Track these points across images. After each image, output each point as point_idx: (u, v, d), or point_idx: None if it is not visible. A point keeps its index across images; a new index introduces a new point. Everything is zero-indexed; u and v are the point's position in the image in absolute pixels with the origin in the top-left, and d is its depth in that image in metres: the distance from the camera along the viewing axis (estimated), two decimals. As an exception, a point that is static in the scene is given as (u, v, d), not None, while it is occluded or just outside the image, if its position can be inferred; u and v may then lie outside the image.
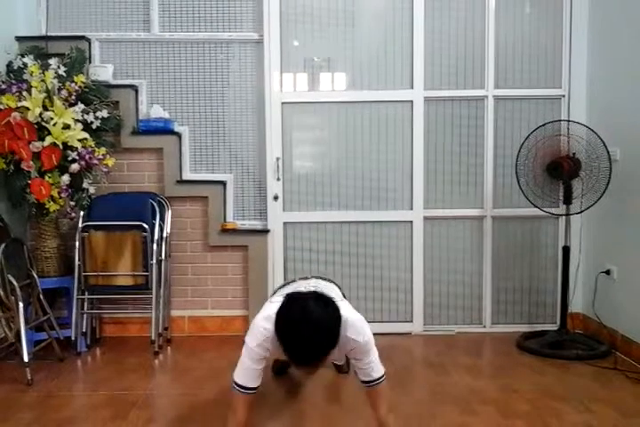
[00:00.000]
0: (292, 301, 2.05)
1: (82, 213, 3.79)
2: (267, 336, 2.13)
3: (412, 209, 4.09)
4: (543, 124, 3.65)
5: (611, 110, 3.76)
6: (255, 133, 4.16)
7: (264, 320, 2.15)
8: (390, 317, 4.12)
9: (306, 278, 2.72)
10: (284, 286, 2.67)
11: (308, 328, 1.93)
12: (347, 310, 2.21)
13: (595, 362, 3.42)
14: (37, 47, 3.83)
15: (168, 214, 3.97)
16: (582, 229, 3.95)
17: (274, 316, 2.06)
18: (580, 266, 3.96)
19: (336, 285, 2.78)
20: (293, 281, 2.68)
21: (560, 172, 3.58)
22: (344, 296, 2.63)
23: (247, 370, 2.19)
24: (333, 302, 2.06)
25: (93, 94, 3.79)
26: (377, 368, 2.25)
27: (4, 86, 3.51)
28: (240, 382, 2.20)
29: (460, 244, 4.14)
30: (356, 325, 2.18)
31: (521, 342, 3.76)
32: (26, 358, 3.20)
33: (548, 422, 2.66)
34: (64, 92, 3.59)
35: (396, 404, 2.69)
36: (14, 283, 3.23)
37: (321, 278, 2.77)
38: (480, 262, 4.14)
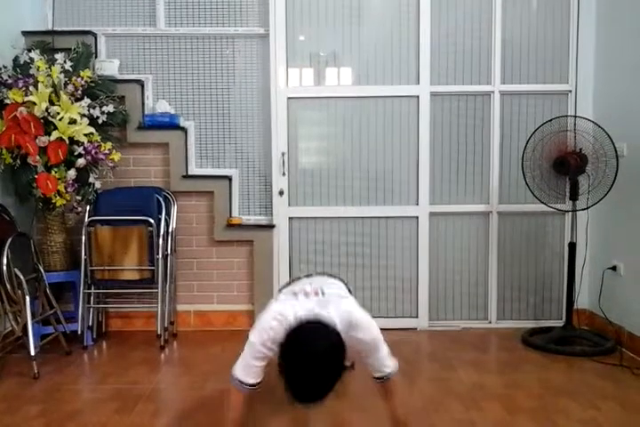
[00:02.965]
0: (296, 341, 1.97)
1: (88, 207, 3.81)
2: (272, 337, 2.06)
3: (417, 204, 4.09)
4: (550, 120, 3.63)
5: (618, 106, 3.73)
6: (261, 128, 4.16)
7: (273, 320, 2.09)
8: (396, 312, 4.11)
9: (309, 276, 2.68)
10: (288, 284, 2.63)
11: (313, 371, 1.90)
12: (351, 307, 2.18)
13: (600, 358, 3.42)
14: (44, 42, 3.84)
15: (174, 209, 3.98)
16: (589, 225, 3.93)
17: (284, 316, 2.04)
18: (586, 262, 3.95)
19: (341, 280, 2.74)
20: (298, 279, 2.63)
21: (566, 167, 3.56)
22: (350, 291, 2.61)
23: (247, 366, 2.14)
24: (336, 332, 2.00)
25: (99, 89, 3.79)
26: (388, 363, 2.21)
27: (10, 81, 3.52)
28: (239, 377, 2.15)
29: (466, 239, 4.14)
30: (362, 324, 2.14)
31: (526, 338, 3.75)
32: (32, 352, 3.22)
33: (554, 419, 2.66)
34: (70, 87, 3.60)
35: (402, 399, 2.67)
36: (21, 277, 3.25)
37: (326, 275, 2.73)
38: (486, 258, 4.14)
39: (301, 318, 2.03)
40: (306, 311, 2.07)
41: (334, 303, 2.14)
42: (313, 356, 1.91)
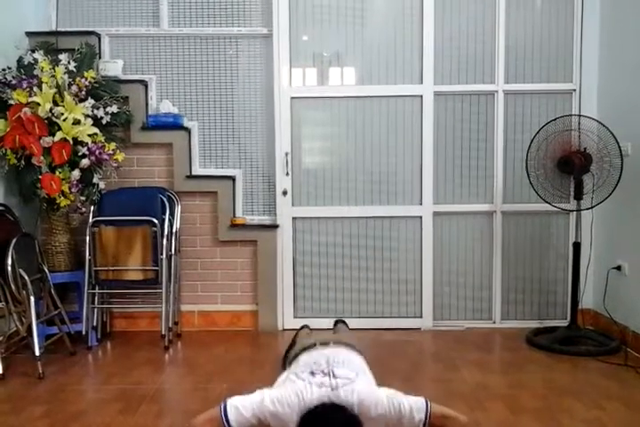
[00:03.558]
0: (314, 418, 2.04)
1: (92, 208, 3.82)
2: (284, 413, 2.10)
3: (421, 204, 4.08)
4: (554, 119, 3.62)
5: (622, 105, 3.72)
6: (264, 128, 4.16)
7: (297, 401, 2.11)
8: (400, 312, 4.10)
9: (326, 344, 2.54)
10: (303, 350, 2.51)
11: None
12: (357, 390, 2.15)
13: (605, 358, 3.41)
14: (48, 42, 3.84)
15: (178, 209, 3.98)
16: (593, 225, 3.92)
17: (303, 394, 2.10)
18: (590, 262, 3.93)
19: (357, 351, 2.58)
20: (314, 346, 2.52)
21: (571, 167, 3.55)
22: (361, 352, 2.56)
23: (242, 408, 2.14)
24: (352, 415, 2.05)
25: (103, 90, 3.80)
26: (416, 407, 2.14)
27: (14, 82, 3.53)
28: (228, 406, 2.15)
29: (470, 239, 4.13)
30: (369, 402, 2.12)
31: (531, 338, 3.75)
32: (37, 352, 3.23)
33: (559, 419, 2.65)
34: (74, 88, 3.61)
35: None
36: (25, 277, 3.25)
37: (342, 344, 2.57)
38: (490, 258, 4.13)
39: (317, 400, 2.09)
40: (321, 397, 2.11)
41: (344, 388, 2.14)
42: None
